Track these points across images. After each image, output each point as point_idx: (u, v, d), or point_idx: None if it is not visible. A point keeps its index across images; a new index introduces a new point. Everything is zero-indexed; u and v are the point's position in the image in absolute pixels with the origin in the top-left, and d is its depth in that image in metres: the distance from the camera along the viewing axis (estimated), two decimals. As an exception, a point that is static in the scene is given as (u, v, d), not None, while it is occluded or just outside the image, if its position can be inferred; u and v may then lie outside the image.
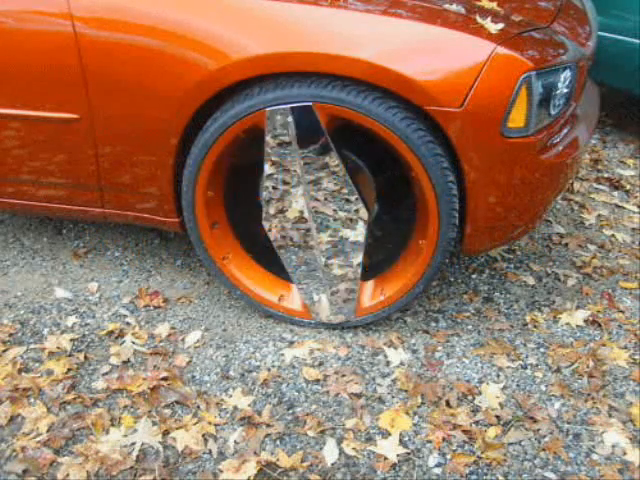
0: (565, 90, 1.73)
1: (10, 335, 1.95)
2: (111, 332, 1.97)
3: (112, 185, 1.93)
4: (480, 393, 1.76)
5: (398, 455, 1.58)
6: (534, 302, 2.15)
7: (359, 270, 1.86)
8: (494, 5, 1.79)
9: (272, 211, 1.82)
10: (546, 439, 1.63)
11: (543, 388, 1.79)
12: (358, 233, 1.79)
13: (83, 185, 1.95)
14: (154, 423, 1.65)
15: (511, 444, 1.62)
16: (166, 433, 1.63)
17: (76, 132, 1.83)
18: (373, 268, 1.96)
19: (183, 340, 1.95)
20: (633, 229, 2.59)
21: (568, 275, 2.28)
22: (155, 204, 1.94)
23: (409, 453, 1.59)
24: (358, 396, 1.76)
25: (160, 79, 1.68)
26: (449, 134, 1.60)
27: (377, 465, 1.56)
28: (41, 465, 1.54)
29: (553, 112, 1.70)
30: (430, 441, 1.62)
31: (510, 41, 1.60)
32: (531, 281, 2.25)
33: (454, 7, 1.70)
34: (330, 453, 1.59)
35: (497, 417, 1.69)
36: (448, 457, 1.58)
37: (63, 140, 1.86)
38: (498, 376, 1.83)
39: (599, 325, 2.04)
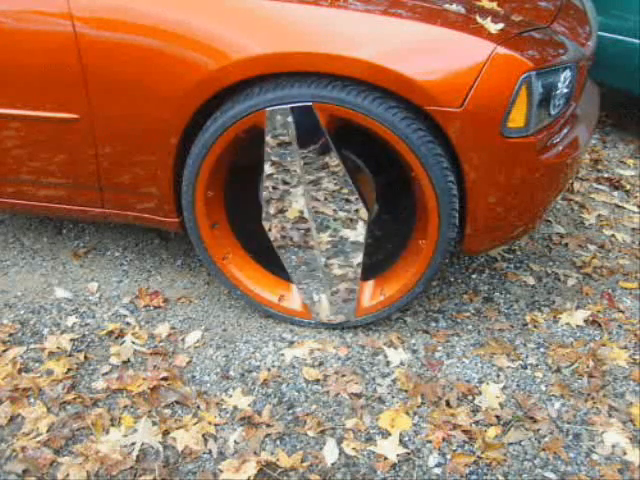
0: (565, 90, 1.73)
1: (10, 335, 1.95)
2: (111, 332, 1.97)
3: (112, 185, 1.93)
4: (480, 393, 1.76)
5: (398, 455, 1.58)
6: (534, 302, 2.15)
7: (359, 270, 1.86)
8: (494, 5, 1.79)
9: (272, 211, 1.82)
10: (546, 439, 1.63)
11: (543, 388, 1.79)
12: (358, 233, 1.79)
13: (83, 185, 1.95)
14: (154, 423, 1.65)
15: (511, 444, 1.62)
16: (166, 433, 1.63)
17: (76, 132, 1.83)
18: (373, 268, 1.96)
19: (183, 340, 1.95)
20: (633, 229, 2.59)
21: (568, 275, 2.28)
22: (155, 204, 1.94)
23: (409, 453, 1.59)
24: (358, 396, 1.76)
25: (160, 79, 1.68)
26: (449, 134, 1.60)
27: (377, 465, 1.56)
28: (41, 465, 1.54)
29: (553, 112, 1.70)
30: (430, 441, 1.62)
31: (510, 41, 1.60)
32: (531, 281, 2.25)
33: (454, 7, 1.70)
34: (330, 453, 1.59)
35: (497, 417, 1.69)
36: (448, 457, 1.58)
37: (63, 140, 1.86)
38: (498, 376, 1.83)
39: (599, 325, 2.04)
